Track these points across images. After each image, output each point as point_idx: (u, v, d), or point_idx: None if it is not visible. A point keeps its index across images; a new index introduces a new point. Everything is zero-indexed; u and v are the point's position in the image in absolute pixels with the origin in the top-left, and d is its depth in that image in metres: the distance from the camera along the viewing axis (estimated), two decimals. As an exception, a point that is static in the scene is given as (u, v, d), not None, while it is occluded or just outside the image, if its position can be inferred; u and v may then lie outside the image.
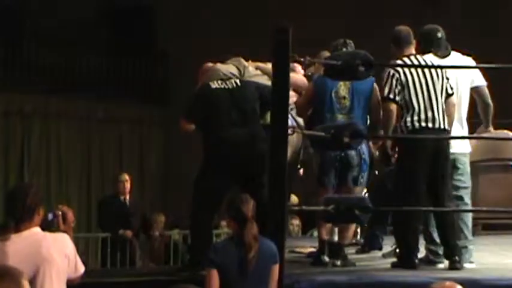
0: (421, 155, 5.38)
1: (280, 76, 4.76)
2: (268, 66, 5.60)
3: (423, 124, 5.38)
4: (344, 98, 5.71)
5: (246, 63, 5.77)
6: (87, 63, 13.10)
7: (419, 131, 5.39)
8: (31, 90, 12.66)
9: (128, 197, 9.21)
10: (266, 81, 5.67)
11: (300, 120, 5.96)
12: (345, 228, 5.70)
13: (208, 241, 5.43)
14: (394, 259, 5.82)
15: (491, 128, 6.00)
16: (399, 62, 5.50)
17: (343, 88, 5.70)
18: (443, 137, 5.41)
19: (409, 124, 5.40)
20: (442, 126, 5.42)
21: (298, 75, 6.03)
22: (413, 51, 5.55)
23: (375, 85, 5.78)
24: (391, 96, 5.42)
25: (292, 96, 5.74)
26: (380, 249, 6.47)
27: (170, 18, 13.26)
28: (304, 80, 6.03)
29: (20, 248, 3.75)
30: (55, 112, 12.96)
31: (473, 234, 5.92)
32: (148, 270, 7.66)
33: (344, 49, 5.78)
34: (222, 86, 5.53)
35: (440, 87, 5.45)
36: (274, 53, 4.76)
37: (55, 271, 3.75)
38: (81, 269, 3.88)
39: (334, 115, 5.68)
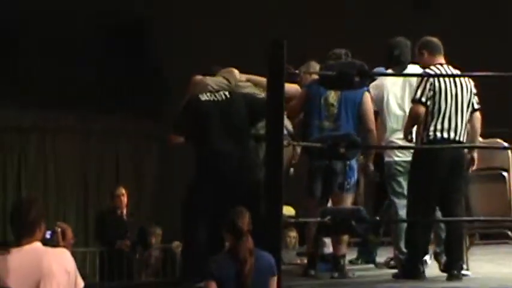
0: (437, 167, 5.42)
1: (275, 89, 4.79)
2: (261, 78, 5.63)
3: (445, 135, 5.43)
4: (332, 105, 5.77)
5: (236, 75, 5.74)
6: (83, 78, 13.13)
7: (439, 142, 5.43)
8: (28, 105, 12.69)
9: (124, 211, 9.24)
10: (258, 91, 5.70)
11: (290, 127, 5.95)
12: (339, 239, 5.72)
13: (202, 254, 5.43)
14: (387, 269, 5.85)
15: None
16: (430, 70, 5.54)
17: (332, 95, 5.76)
18: (440, 146, 5.44)
19: (431, 133, 5.44)
20: (461, 139, 5.48)
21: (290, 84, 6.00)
22: (444, 61, 5.61)
23: (367, 94, 5.82)
24: (423, 99, 5.47)
25: None
26: (374, 262, 6.50)
27: (165, 33, 13.30)
28: (297, 87, 6.03)
29: (21, 262, 3.76)
30: (52, 127, 12.98)
31: (471, 244, 5.96)
32: (144, 284, 7.67)
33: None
34: (211, 99, 5.50)
35: (467, 100, 5.52)
36: (269, 66, 4.79)
37: (55, 286, 3.76)
38: (81, 284, 3.89)
39: (322, 122, 5.74)
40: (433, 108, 5.45)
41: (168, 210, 12.36)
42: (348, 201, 5.72)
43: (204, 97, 5.51)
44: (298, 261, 6.57)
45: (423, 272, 5.47)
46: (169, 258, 9.45)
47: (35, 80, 13.00)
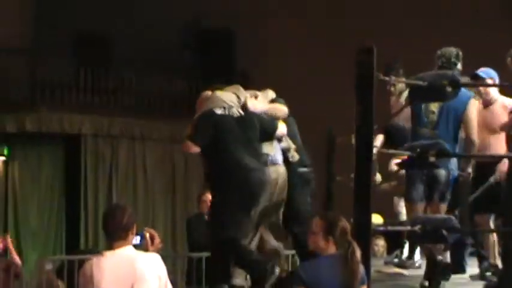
0: None
1: (365, 97, 4.75)
2: (276, 107, 5.69)
3: None
4: (433, 112, 5.64)
5: (245, 92, 5.70)
6: (171, 86, 13.35)
7: None
8: (118, 113, 12.99)
9: (212, 216, 9.33)
10: (267, 106, 5.74)
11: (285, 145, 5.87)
12: (435, 246, 5.62)
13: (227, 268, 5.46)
14: (482, 282, 5.72)
15: None
16: None
17: (434, 103, 5.63)
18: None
19: None
20: None
21: (276, 105, 5.91)
22: None
23: (472, 102, 5.68)
24: None
25: (282, 129, 5.75)
26: (464, 272, 6.36)
27: (252, 42, 13.41)
28: (285, 110, 5.89)
29: (116, 265, 3.86)
30: (141, 134, 13.24)
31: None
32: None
33: (459, 63, 5.69)
34: (226, 113, 5.52)
35: None
36: (358, 73, 4.76)
37: (147, 290, 3.84)
38: None
39: (420, 129, 5.63)
40: None
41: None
42: (444, 210, 5.62)
43: (218, 111, 5.53)
44: (386, 270, 6.50)
45: None
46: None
47: (125, 89, 13.30)
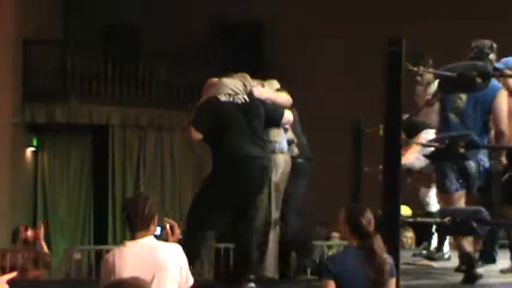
0: None
1: (394, 88, 4.72)
2: (279, 95, 5.69)
3: None
4: (460, 98, 5.57)
5: (251, 81, 5.65)
6: (199, 78, 13.34)
7: None
8: (146, 103, 13.04)
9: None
10: (274, 95, 5.76)
11: (291, 136, 5.83)
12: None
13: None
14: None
15: None
16: None
17: None
18: None
19: None
20: None
21: (282, 94, 5.89)
22: None
23: (501, 92, 5.60)
24: None
25: (289, 116, 5.74)
26: (494, 262, 6.30)
27: (283, 34, 13.37)
28: (290, 99, 5.88)
29: (137, 254, 3.86)
30: (169, 124, 13.28)
31: None
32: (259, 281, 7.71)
33: (491, 54, 5.63)
34: (231, 100, 5.45)
35: None
36: (387, 64, 4.73)
37: (169, 279, 3.84)
38: (191, 280, 3.96)
39: (448, 113, 5.58)
40: None
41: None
42: (475, 201, 5.56)
43: (223, 98, 5.46)
44: (415, 262, 6.46)
45: None
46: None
47: (153, 80, 13.34)
